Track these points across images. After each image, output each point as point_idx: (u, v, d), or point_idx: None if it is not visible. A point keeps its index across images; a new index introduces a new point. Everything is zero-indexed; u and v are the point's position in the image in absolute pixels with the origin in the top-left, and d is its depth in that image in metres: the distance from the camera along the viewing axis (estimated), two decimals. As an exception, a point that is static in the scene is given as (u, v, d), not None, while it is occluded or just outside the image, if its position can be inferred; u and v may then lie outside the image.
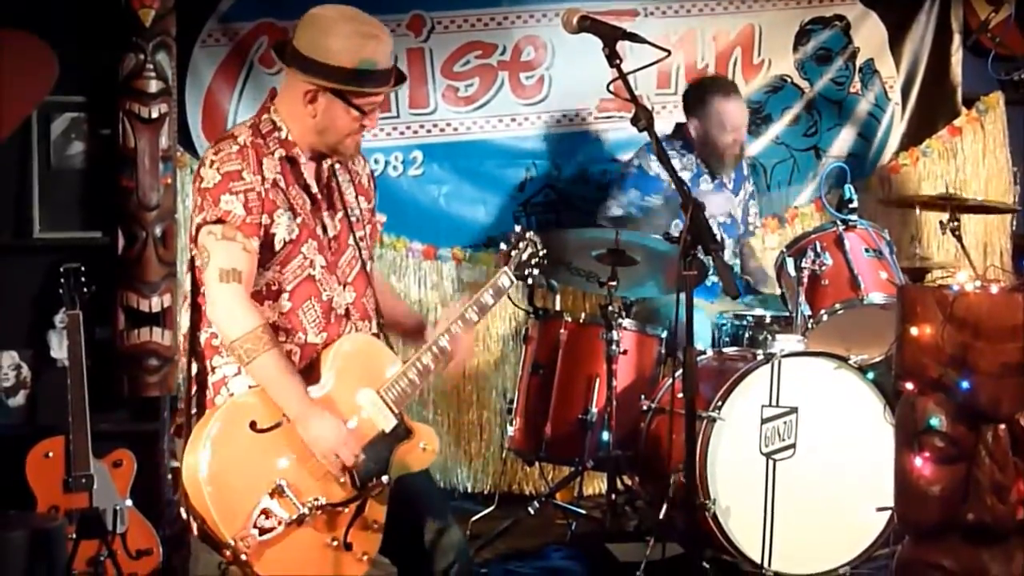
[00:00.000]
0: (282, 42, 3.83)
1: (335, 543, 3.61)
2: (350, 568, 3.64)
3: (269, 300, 3.71)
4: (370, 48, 3.70)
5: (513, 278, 4.04)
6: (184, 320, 3.79)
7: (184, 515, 3.62)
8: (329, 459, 3.60)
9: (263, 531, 3.51)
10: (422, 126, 6.52)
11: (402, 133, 6.52)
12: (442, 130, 6.58)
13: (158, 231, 5.69)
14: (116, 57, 5.71)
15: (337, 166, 3.88)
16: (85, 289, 5.34)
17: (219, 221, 3.61)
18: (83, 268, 5.37)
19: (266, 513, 3.52)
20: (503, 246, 4.06)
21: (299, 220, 3.72)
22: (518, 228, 4.11)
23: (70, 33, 5.83)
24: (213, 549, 3.58)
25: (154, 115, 5.69)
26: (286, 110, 3.77)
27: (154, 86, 5.70)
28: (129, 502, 5.34)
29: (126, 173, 5.69)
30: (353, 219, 3.88)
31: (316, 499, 3.58)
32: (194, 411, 3.70)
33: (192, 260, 3.76)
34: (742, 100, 6.44)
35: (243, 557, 3.48)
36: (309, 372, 3.71)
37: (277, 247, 3.68)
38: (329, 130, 3.75)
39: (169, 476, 5.68)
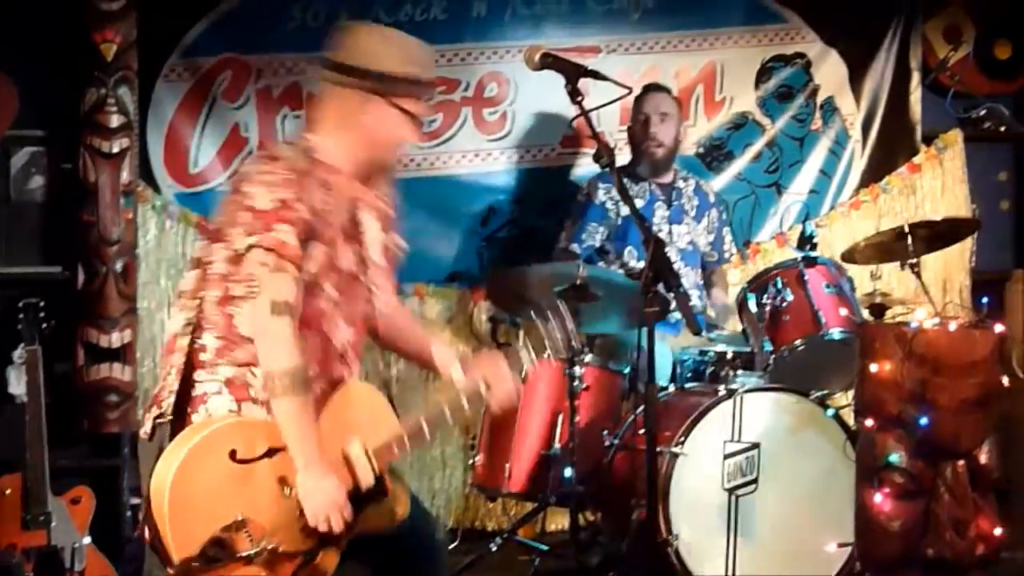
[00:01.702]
0: (324, 61, 3.74)
1: None
2: None
3: None
4: (419, 55, 3.74)
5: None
6: (178, 320, 3.67)
7: (140, 518, 3.53)
8: (318, 518, 3.52)
9: (209, 560, 3.42)
10: (384, 162, 6.53)
11: (365, 168, 6.52)
12: (405, 165, 6.56)
13: (119, 266, 5.68)
14: (77, 91, 5.72)
15: (360, 199, 3.81)
16: (44, 324, 5.28)
17: (272, 249, 3.53)
18: (42, 303, 5.31)
19: (219, 543, 3.44)
20: (536, 318, 3.88)
21: (324, 250, 3.65)
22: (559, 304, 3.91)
23: (31, 67, 5.83)
24: (160, 562, 3.47)
25: (115, 149, 5.70)
26: (331, 133, 3.73)
27: (115, 120, 5.70)
28: (88, 539, 5.30)
29: (87, 207, 5.69)
30: (370, 254, 3.84)
31: (273, 544, 3.50)
32: (170, 416, 3.60)
33: (200, 259, 3.67)
34: (668, 95, 6.45)
35: None
36: None
37: (304, 278, 3.61)
38: (385, 143, 3.75)
39: (128, 513, 5.66)
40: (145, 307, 6.08)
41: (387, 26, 3.88)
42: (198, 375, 3.62)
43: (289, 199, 3.55)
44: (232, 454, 3.49)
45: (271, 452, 3.55)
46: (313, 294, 3.64)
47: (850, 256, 5.76)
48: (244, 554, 3.47)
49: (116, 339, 5.69)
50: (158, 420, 3.60)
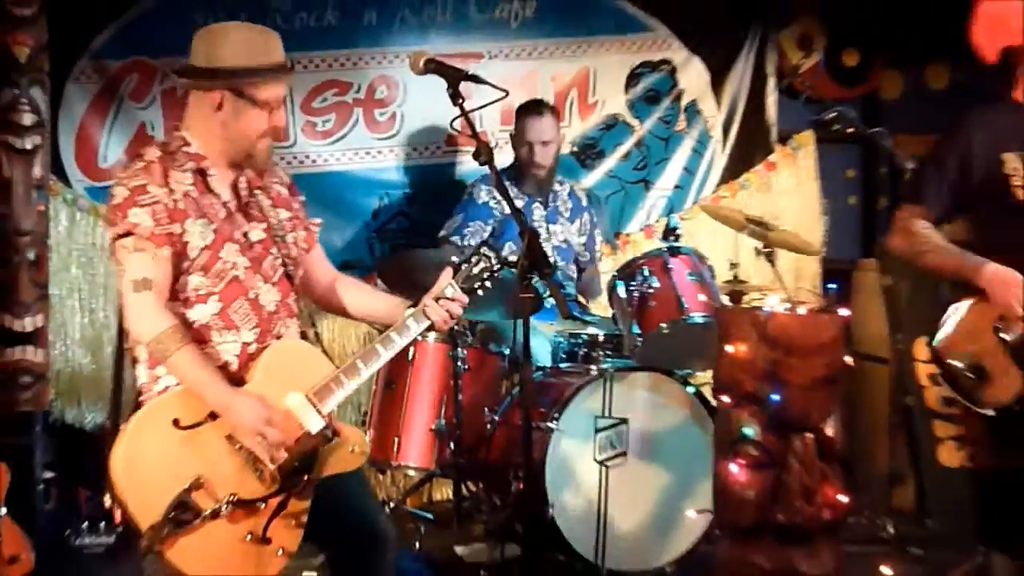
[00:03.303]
0: (183, 66, 3.82)
1: (250, 537, 3.58)
2: (266, 562, 3.62)
3: (200, 304, 3.71)
4: (259, 44, 3.79)
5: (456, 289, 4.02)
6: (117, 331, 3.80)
7: (109, 502, 3.57)
8: (255, 440, 3.58)
9: (178, 523, 3.48)
10: (282, 158, 6.48)
11: (263, 165, 6.48)
12: (301, 162, 6.56)
13: (31, 255, 5.58)
14: (-8, 92, 5.61)
15: (249, 181, 3.87)
16: (-40, 310, 5.22)
17: (128, 234, 3.63)
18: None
19: (182, 506, 3.49)
20: (455, 259, 4.05)
21: (213, 227, 3.72)
22: (476, 244, 4.09)
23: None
24: (138, 537, 3.51)
25: (28, 146, 5.58)
26: (195, 127, 3.80)
27: (28, 119, 5.58)
28: (3, 511, 5.23)
29: (1, 201, 5.59)
30: (275, 230, 3.87)
31: (233, 495, 3.56)
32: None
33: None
34: (549, 117, 6.35)
35: (155, 547, 3.46)
36: (240, 377, 3.70)
37: (192, 254, 3.69)
38: (240, 135, 3.77)
39: (41, 487, 5.58)
40: (56, 294, 6.03)
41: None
42: (158, 370, 3.70)
43: (139, 186, 3.68)
44: (175, 422, 3.55)
45: (214, 415, 3.61)
46: (222, 267, 3.72)
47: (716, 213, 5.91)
48: (208, 511, 3.52)
49: (29, 323, 5.58)
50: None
